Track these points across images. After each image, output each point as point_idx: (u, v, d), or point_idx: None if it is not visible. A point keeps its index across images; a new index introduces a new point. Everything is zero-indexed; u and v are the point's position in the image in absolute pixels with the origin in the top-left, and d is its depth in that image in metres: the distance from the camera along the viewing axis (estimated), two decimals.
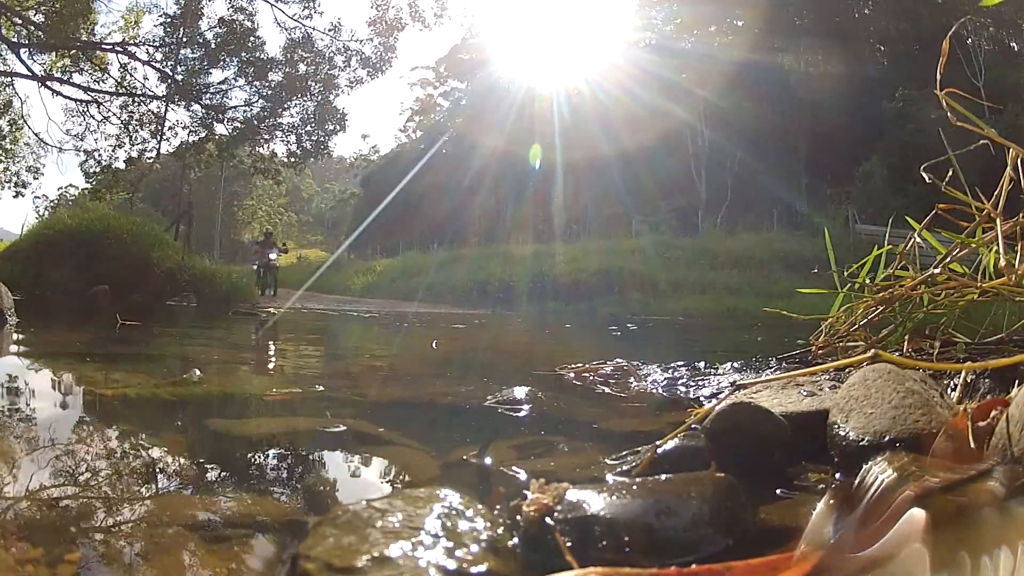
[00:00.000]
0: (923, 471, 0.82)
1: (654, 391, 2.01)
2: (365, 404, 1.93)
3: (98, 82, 18.22)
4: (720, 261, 16.77)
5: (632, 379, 2.20)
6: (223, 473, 1.16)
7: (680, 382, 2.06)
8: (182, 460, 1.21)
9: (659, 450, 1.09)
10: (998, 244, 1.34)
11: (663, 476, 0.92)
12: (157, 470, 1.14)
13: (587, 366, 2.43)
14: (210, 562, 0.74)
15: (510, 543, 0.71)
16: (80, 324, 5.15)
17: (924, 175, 1.60)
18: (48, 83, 17.32)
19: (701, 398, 1.81)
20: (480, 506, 0.76)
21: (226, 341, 4.45)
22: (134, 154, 18.81)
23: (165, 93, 18.18)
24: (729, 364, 2.22)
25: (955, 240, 1.56)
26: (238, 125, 18.47)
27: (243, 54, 17.75)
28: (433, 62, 43.08)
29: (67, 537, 0.80)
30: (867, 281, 1.80)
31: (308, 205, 57.48)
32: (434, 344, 4.71)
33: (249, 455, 1.31)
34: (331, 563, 0.61)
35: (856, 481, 0.90)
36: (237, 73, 18.09)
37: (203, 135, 18.96)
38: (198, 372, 2.16)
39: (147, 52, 17.90)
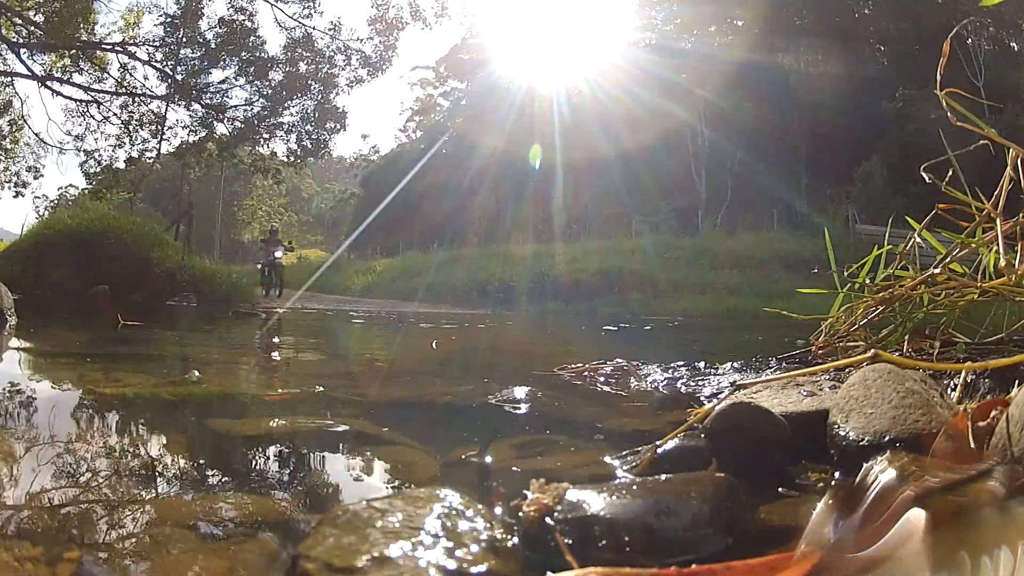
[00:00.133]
0: (923, 471, 0.82)
1: (654, 391, 2.01)
2: (365, 404, 1.93)
3: (98, 82, 18.22)
4: (720, 261, 16.76)
5: (632, 379, 2.20)
6: (223, 473, 1.16)
7: (680, 382, 2.06)
8: (182, 460, 1.21)
9: (659, 450, 1.09)
10: (998, 244, 1.34)
11: (663, 476, 0.92)
12: (157, 470, 1.14)
13: (587, 366, 2.43)
14: (210, 562, 0.74)
15: (510, 543, 0.71)
16: (80, 324, 5.15)
17: (924, 175, 1.60)
18: (48, 83, 17.32)
19: (701, 398, 1.81)
20: (480, 506, 0.76)
21: (226, 341, 4.45)
22: (134, 154, 18.81)
23: (165, 93, 18.18)
24: (729, 364, 2.22)
25: (955, 240, 1.56)
26: (238, 125, 18.46)
27: (243, 54, 17.74)
28: (433, 62, 43.11)
29: (66, 536, 0.80)
30: (867, 281, 1.80)
31: (308, 205, 57.47)
32: (434, 344, 4.71)
33: (249, 455, 1.31)
34: (331, 563, 0.61)
35: (856, 481, 0.90)
36: (237, 72, 18.09)
37: (203, 135, 18.95)
38: (197, 372, 2.16)
39: (147, 52, 17.89)
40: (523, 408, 1.82)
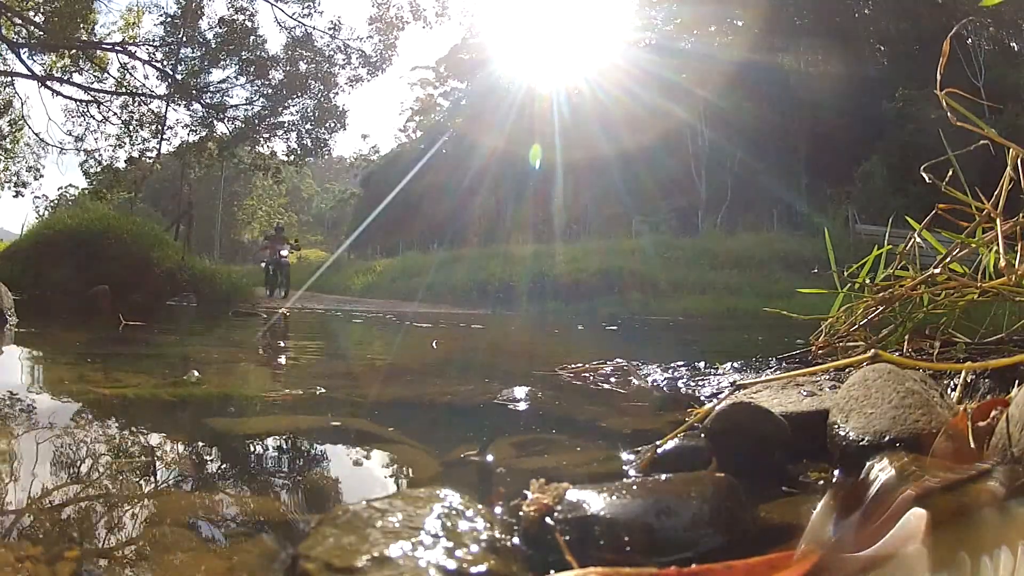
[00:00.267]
0: (923, 471, 0.82)
1: (654, 391, 2.01)
2: (365, 403, 1.93)
3: (98, 82, 18.24)
4: (720, 261, 16.76)
5: (632, 379, 2.20)
6: (223, 473, 1.16)
7: (680, 382, 2.06)
8: (182, 460, 1.21)
9: (659, 450, 1.09)
10: (998, 244, 1.34)
11: (663, 476, 0.92)
12: (156, 469, 1.14)
13: (587, 366, 2.43)
14: (209, 562, 0.74)
15: (510, 543, 0.71)
16: (80, 324, 5.15)
17: (924, 175, 1.60)
18: (48, 83, 17.32)
19: (701, 398, 1.81)
20: (480, 506, 0.76)
21: (226, 341, 4.45)
22: (135, 154, 18.82)
23: (165, 92, 18.19)
24: (729, 364, 2.22)
25: (955, 240, 1.56)
26: (239, 124, 18.46)
27: (243, 53, 17.75)
28: (433, 62, 43.13)
29: (66, 535, 0.80)
30: (867, 281, 1.80)
31: (308, 205, 57.48)
32: (434, 344, 4.71)
33: (249, 454, 1.31)
34: (331, 563, 0.61)
35: (856, 481, 0.90)
36: (238, 72, 18.10)
37: (204, 134, 18.96)
38: (197, 372, 2.16)
39: (147, 52, 17.91)
40: (523, 407, 1.82)
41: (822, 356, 1.89)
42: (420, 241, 27.50)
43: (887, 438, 0.97)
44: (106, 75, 18.23)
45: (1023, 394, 0.85)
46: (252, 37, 17.87)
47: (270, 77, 18.12)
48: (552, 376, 2.35)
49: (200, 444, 1.37)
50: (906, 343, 1.58)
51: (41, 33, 16.41)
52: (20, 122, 19.04)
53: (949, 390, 1.24)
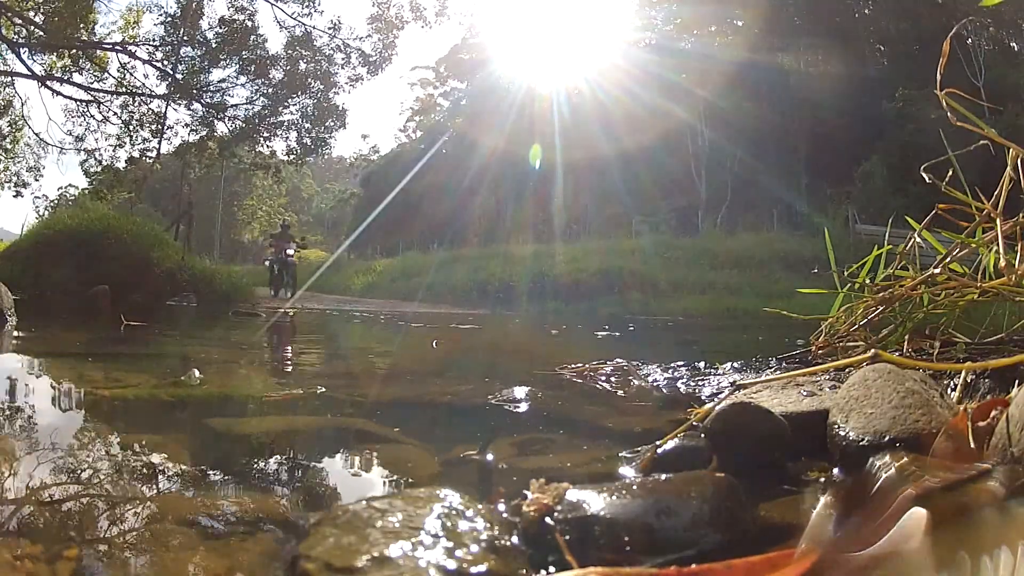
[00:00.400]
0: (923, 471, 0.82)
1: (654, 391, 2.01)
2: (365, 403, 1.93)
3: (98, 81, 18.24)
4: (720, 261, 16.76)
5: (632, 379, 2.20)
6: (223, 472, 1.16)
7: (680, 382, 2.06)
8: (181, 459, 1.21)
9: (659, 450, 1.09)
10: (998, 244, 1.34)
11: (663, 476, 0.92)
12: (156, 469, 1.14)
13: (587, 366, 2.43)
14: (210, 561, 0.74)
15: (510, 543, 0.71)
16: (80, 324, 5.15)
17: (924, 175, 1.60)
18: (48, 83, 17.32)
19: (702, 398, 1.81)
20: (480, 506, 0.76)
21: (226, 341, 4.45)
22: (135, 154, 18.83)
23: (166, 92, 18.19)
24: (729, 364, 2.22)
25: (955, 240, 1.56)
26: (239, 124, 18.47)
27: (244, 53, 17.75)
28: (433, 62, 43.11)
29: (66, 535, 0.80)
30: (867, 281, 1.80)
31: (308, 205, 57.48)
32: (434, 344, 4.71)
33: (249, 454, 1.31)
34: (331, 563, 0.61)
35: (856, 480, 0.90)
36: (238, 71, 18.11)
37: (204, 134, 18.97)
38: (197, 372, 2.16)
39: (147, 51, 17.91)
40: (523, 407, 1.82)
41: (822, 356, 1.89)
42: (420, 241, 27.49)
43: (887, 438, 0.97)
44: (106, 75, 18.24)
45: (1023, 394, 0.85)
46: (252, 37, 17.87)
47: (270, 77, 18.13)
48: (552, 376, 2.35)
49: (200, 444, 1.37)
50: (906, 343, 1.58)
51: (41, 33, 16.42)
52: (20, 122, 19.05)
53: (949, 390, 1.24)
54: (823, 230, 2.51)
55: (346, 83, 18.70)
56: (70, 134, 18.74)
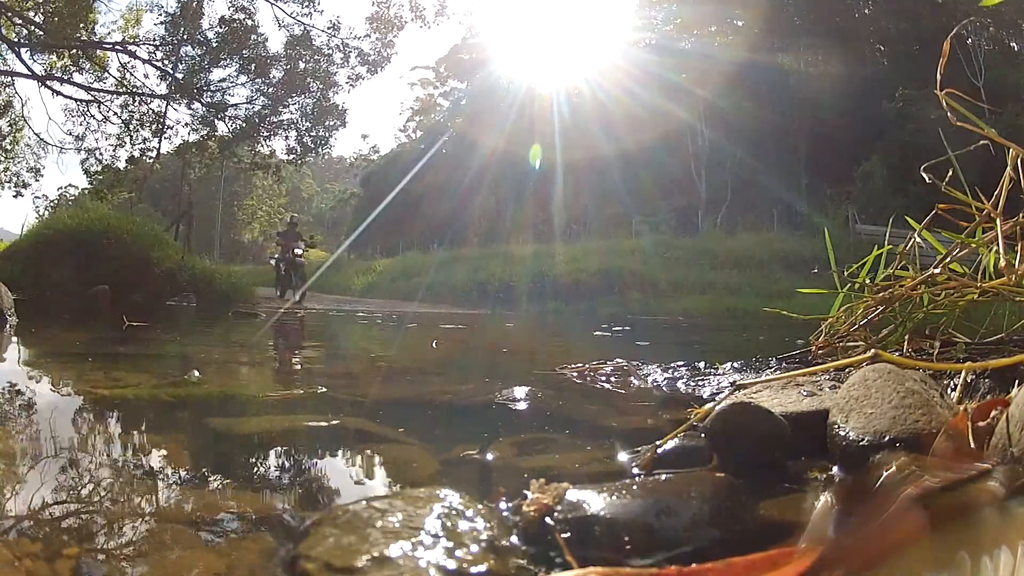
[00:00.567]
0: (923, 471, 0.82)
1: (654, 390, 2.01)
2: (366, 403, 1.93)
3: (98, 81, 18.24)
4: (720, 261, 16.76)
5: (632, 379, 2.20)
6: (223, 472, 1.16)
7: (680, 382, 2.06)
8: (181, 459, 1.21)
9: (659, 450, 1.09)
10: (998, 244, 1.34)
11: (663, 476, 0.92)
12: (156, 469, 1.14)
13: (587, 366, 2.43)
14: (209, 560, 0.74)
15: (510, 543, 0.71)
16: (80, 324, 5.15)
17: (924, 175, 1.60)
18: (48, 83, 17.32)
19: (702, 397, 1.81)
20: (480, 506, 0.76)
21: (227, 341, 4.45)
22: (135, 153, 18.82)
23: (166, 92, 18.20)
24: (729, 364, 2.22)
25: (955, 240, 1.56)
26: (240, 124, 18.47)
27: (244, 52, 17.75)
28: (433, 62, 43.11)
29: (66, 534, 0.80)
30: (867, 281, 1.80)
31: (308, 205, 57.48)
32: (434, 344, 4.71)
33: (249, 454, 1.31)
34: (331, 563, 0.61)
35: (856, 480, 0.90)
36: (238, 71, 18.11)
37: (204, 133, 18.97)
38: (197, 372, 2.16)
39: (147, 51, 17.92)
40: (523, 407, 1.82)
41: (822, 356, 1.89)
42: (420, 241, 27.49)
43: (887, 438, 0.97)
44: (106, 75, 18.24)
45: (1023, 394, 0.85)
46: (252, 36, 17.88)
47: (270, 76, 18.13)
48: (552, 376, 2.35)
49: (200, 444, 1.37)
50: (906, 343, 1.58)
51: (41, 33, 16.41)
52: (20, 122, 19.05)
53: (949, 390, 1.24)
54: (823, 230, 2.52)
55: (346, 82, 18.73)
56: (70, 134, 18.75)
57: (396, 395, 2.17)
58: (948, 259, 1.54)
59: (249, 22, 17.93)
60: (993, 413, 0.89)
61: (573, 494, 0.78)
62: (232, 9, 17.87)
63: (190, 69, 17.96)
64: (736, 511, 0.79)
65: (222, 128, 18.89)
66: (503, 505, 0.82)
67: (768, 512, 0.87)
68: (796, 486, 0.98)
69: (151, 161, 19.29)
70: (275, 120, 18.60)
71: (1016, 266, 1.31)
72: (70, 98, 17.99)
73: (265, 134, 18.90)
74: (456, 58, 38.72)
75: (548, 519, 0.75)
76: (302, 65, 18.11)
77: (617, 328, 7.28)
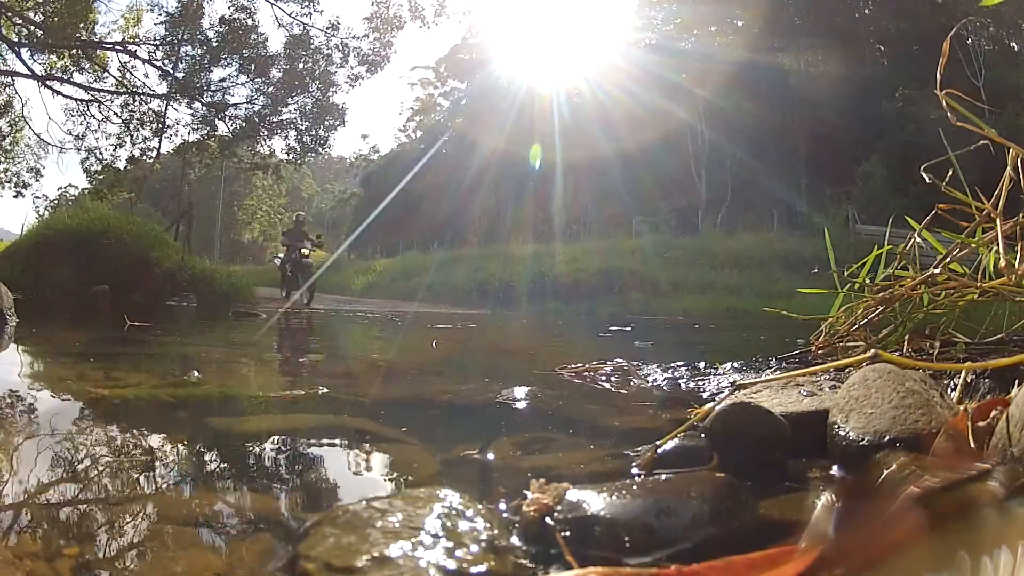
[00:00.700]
0: (923, 471, 0.82)
1: (654, 390, 2.01)
2: (366, 403, 1.93)
3: (98, 81, 18.24)
4: (720, 261, 16.77)
5: (632, 379, 2.20)
6: (223, 472, 1.16)
7: (680, 382, 2.06)
8: (182, 459, 1.21)
9: (659, 450, 1.09)
10: (998, 244, 1.34)
11: (663, 476, 0.92)
12: (156, 468, 1.14)
13: (587, 366, 2.43)
14: (209, 560, 0.74)
15: (510, 543, 0.71)
16: (80, 324, 5.15)
17: (924, 175, 1.60)
18: (48, 83, 17.32)
19: (702, 397, 1.82)
20: (480, 506, 0.76)
21: (227, 341, 4.45)
22: (135, 153, 18.83)
23: (166, 91, 18.20)
24: (729, 364, 2.22)
25: (955, 240, 1.56)
26: (240, 124, 18.47)
27: (244, 52, 17.76)
28: (433, 62, 43.09)
29: (66, 533, 0.80)
30: (867, 281, 1.80)
31: (308, 205, 57.47)
32: (434, 344, 4.71)
33: (249, 454, 1.31)
34: (331, 563, 0.61)
35: (857, 480, 0.90)
36: (238, 71, 18.11)
37: (205, 133, 18.98)
38: (197, 373, 2.16)
39: (148, 51, 17.92)
40: (523, 407, 1.82)
41: (822, 356, 1.89)
42: (420, 241, 27.50)
43: (887, 438, 0.97)
44: (106, 74, 18.24)
45: (1023, 394, 0.85)
46: (253, 35, 17.88)
47: (271, 76, 18.13)
48: (552, 375, 2.35)
49: (200, 443, 1.37)
50: (906, 343, 1.58)
51: (41, 33, 16.41)
52: (20, 123, 19.05)
53: (949, 390, 1.24)
54: (823, 230, 2.52)
55: (345, 82, 18.72)
56: (70, 133, 18.75)
57: (396, 395, 2.17)
58: (948, 259, 1.54)
59: (249, 21, 17.94)
60: (993, 413, 0.89)
61: (573, 494, 0.79)
62: (232, 8, 17.89)
63: (190, 69, 17.96)
64: (736, 511, 0.79)
65: (222, 128, 18.92)
66: (503, 505, 0.82)
67: (768, 512, 0.87)
68: (796, 486, 0.98)
69: (151, 161, 19.29)
70: (275, 120, 18.61)
71: (1016, 266, 1.31)
72: (70, 98, 18.00)
73: (265, 134, 18.91)
74: (456, 58, 38.72)
75: (548, 519, 0.75)
76: (301, 65, 18.11)
77: (617, 328, 7.29)
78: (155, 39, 17.82)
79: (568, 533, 0.73)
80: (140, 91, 18.38)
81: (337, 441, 1.44)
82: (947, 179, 1.52)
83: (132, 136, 18.52)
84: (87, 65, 17.78)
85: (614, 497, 0.77)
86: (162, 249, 10.47)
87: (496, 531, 0.71)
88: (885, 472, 0.86)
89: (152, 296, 9.06)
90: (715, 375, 2.09)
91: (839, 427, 1.07)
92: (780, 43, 23.00)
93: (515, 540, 0.73)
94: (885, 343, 1.68)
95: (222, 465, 1.22)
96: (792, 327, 2.33)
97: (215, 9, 29.49)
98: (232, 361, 3.07)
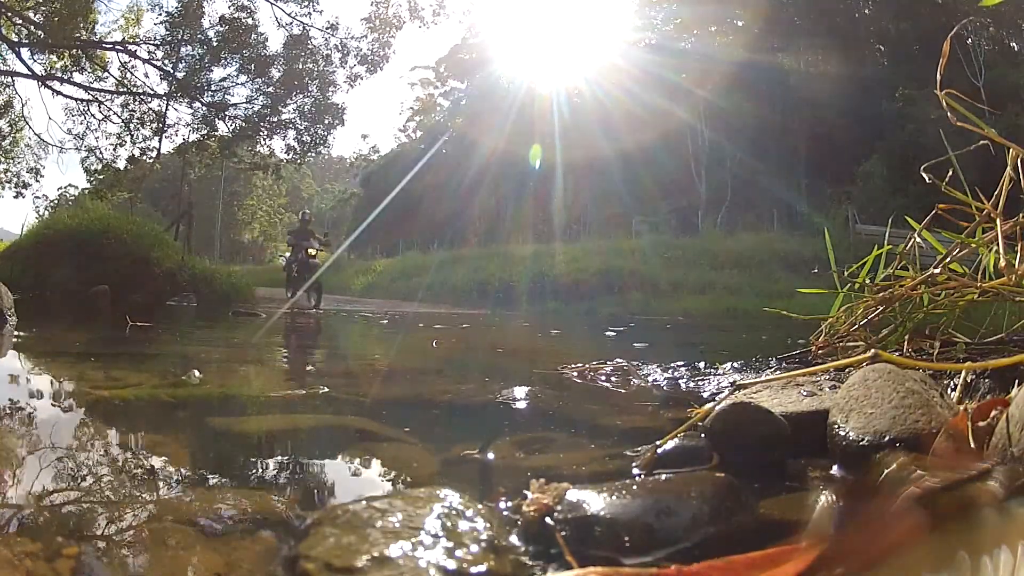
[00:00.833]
0: (923, 471, 0.82)
1: (654, 390, 2.01)
2: (366, 402, 1.93)
3: (99, 81, 18.24)
4: (720, 261, 16.76)
5: (632, 379, 2.20)
6: (223, 471, 1.16)
7: (680, 381, 2.06)
8: (181, 459, 1.21)
9: (659, 450, 1.09)
10: (998, 244, 1.34)
11: (663, 476, 0.92)
12: (156, 468, 1.14)
13: (587, 366, 2.43)
14: (209, 560, 0.74)
15: (510, 543, 0.71)
16: (80, 324, 5.15)
17: (924, 175, 1.60)
18: (48, 83, 17.32)
19: (702, 397, 1.81)
20: (480, 506, 0.76)
21: (227, 341, 4.45)
22: (136, 153, 18.83)
23: (166, 91, 18.20)
24: (729, 364, 2.22)
25: (955, 240, 1.56)
26: (240, 123, 18.47)
27: (244, 51, 17.76)
28: (433, 62, 43.09)
29: (66, 533, 0.80)
30: (867, 281, 1.80)
31: (308, 205, 57.40)
32: (434, 344, 4.71)
33: (249, 453, 1.31)
34: (331, 563, 0.61)
35: (857, 479, 0.90)
36: (238, 70, 18.12)
37: (205, 133, 18.98)
38: (197, 372, 2.16)
39: (148, 51, 17.92)
40: (523, 406, 1.82)
41: (822, 356, 1.89)
42: (420, 241, 27.50)
43: (887, 438, 0.97)
44: (106, 74, 18.24)
45: (1023, 394, 0.85)
46: (253, 35, 17.88)
47: (270, 76, 18.13)
48: (552, 375, 2.35)
49: (200, 443, 1.37)
50: (906, 343, 1.58)
51: (41, 33, 16.41)
52: (20, 123, 19.04)
53: (949, 390, 1.24)
54: (823, 230, 2.52)
55: (344, 82, 18.73)
56: (70, 132, 18.74)
57: (396, 395, 2.17)
58: (948, 259, 1.54)
59: (249, 20, 17.94)
60: (993, 413, 0.89)
61: (573, 494, 0.79)
62: (232, 8, 17.89)
63: (190, 69, 17.96)
64: (736, 510, 0.79)
65: (222, 128, 18.92)
66: (503, 505, 0.82)
67: (768, 511, 0.87)
68: (796, 486, 0.98)
69: (151, 161, 19.29)
70: (275, 120, 18.61)
71: (1016, 266, 1.31)
72: (70, 98, 18.00)
73: (265, 134, 18.91)
74: (456, 58, 38.72)
75: (548, 519, 0.75)
76: (301, 65, 18.11)
77: (617, 328, 7.29)
78: (155, 39, 17.83)
79: (568, 533, 0.73)
80: (140, 91, 18.39)
81: (337, 441, 1.44)
82: (947, 179, 1.52)
83: (132, 136, 18.53)
84: (87, 65, 17.77)
85: (614, 497, 0.77)
86: (162, 249, 10.46)
87: (496, 531, 0.71)
88: (885, 472, 0.86)
89: (152, 296, 9.06)
90: (715, 375, 2.09)
91: (839, 427, 1.07)
92: (780, 43, 23.00)
93: (515, 540, 0.73)
94: (885, 343, 1.68)
95: (222, 465, 1.22)
96: (792, 327, 2.34)
97: (215, 8, 29.50)
98: (232, 361, 3.07)
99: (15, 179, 20.19)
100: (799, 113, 21.83)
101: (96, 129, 18.57)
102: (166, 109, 18.28)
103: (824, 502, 0.87)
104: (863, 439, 1.00)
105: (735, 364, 2.20)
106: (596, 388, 2.10)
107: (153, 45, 17.84)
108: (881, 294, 1.71)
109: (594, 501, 0.77)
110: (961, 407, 1.04)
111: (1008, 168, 1.42)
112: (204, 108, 18.42)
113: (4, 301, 4.11)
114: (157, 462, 1.18)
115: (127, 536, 0.82)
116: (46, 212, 24.73)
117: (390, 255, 27.62)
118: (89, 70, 17.91)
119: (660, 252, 17.51)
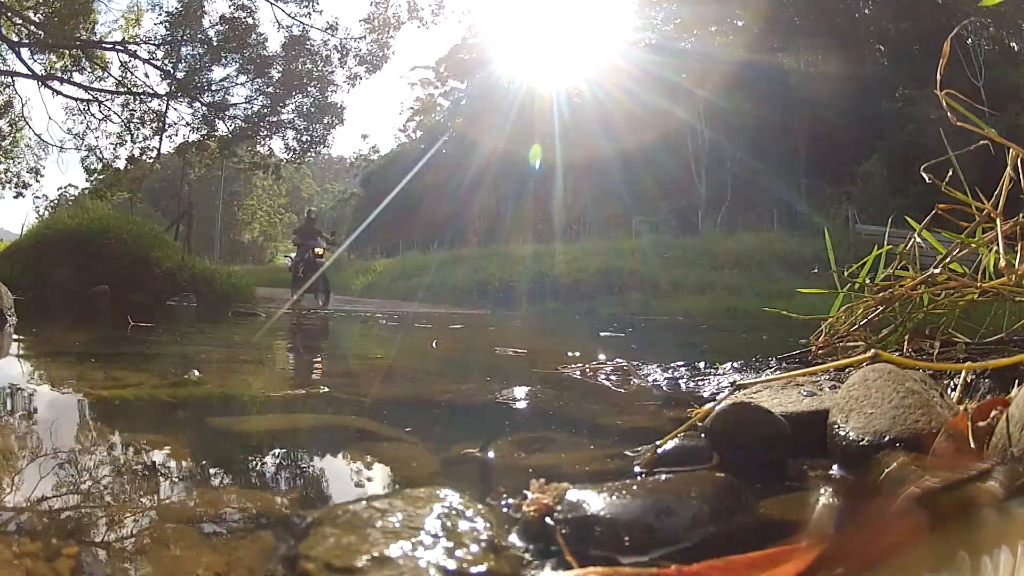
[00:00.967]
0: (923, 471, 0.82)
1: (654, 390, 2.01)
2: (366, 402, 1.93)
3: (99, 81, 18.24)
4: (720, 261, 16.76)
5: (632, 378, 2.20)
6: (223, 471, 1.16)
7: (680, 381, 2.06)
8: (181, 458, 1.21)
9: (659, 449, 1.09)
10: (998, 244, 1.34)
11: (663, 475, 0.92)
12: (156, 468, 1.14)
13: (587, 366, 2.43)
14: (209, 560, 0.74)
15: (510, 543, 0.71)
16: (80, 324, 5.15)
17: (924, 175, 1.60)
18: (48, 82, 17.32)
19: (702, 397, 1.81)
20: (480, 506, 0.76)
21: (227, 341, 4.45)
22: (136, 152, 18.83)
23: (166, 91, 18.21)
24: (729, 364, 2.22)
25: (955, 240, 1.56)
26: (240, 123, 18.47)
27: (244, 51, 17.76)
28: (433, 62, 43.08)
29: (66, 533, 0.80)
30: (867, 281, 1.80)
31: (308, 205, 57.45)
32: (434, 344, 4.71)
33: (249, 453, 1.31)
34: (331, 563, 0.61)
35: (857, 479, 0.90)
36: (238, 71, 18.12)
37: (205, 132, 18.98)
38: (197, 372, 2.16)
39: (148, 51, 17.92)
40: (523, 406, 1.82)
41: (822, 356, 1.89)
42: (420, 241, 27.49)
43: (887, 438, 0.97)
44: (107, 74, 18.24)
45: (1023, 394, 0.85)
46: (253, 35, 17.88)
47: (270, 76, 18.13)
48: (552, 375, 2.35)
49: (200, 443, 1.37)
50: (906, 343, 1.58)
51: (41, 33, 16.41)
52: (20, 123, 19.04)
53: (949, 390, 1.24)
54: (823, 230, 2.52)
55: (344, 82, 18.73)
56: (70, 132, 18.74)
57: (396, 394, 2.17)
58: (948, 259, 1.54)
59: (249, 20, 17.94)
60: (993, 413, 0.89)
61: (573, 494, 0.79)
62: (233, 8, 17.90)
63: (190, 68, 17.97)
64: (736, 510, 0.79)
65: (222, 128, 18.92)
66: (503, 505, 0.82)
67: (768, 511, 0.87)
68: (796, 486, 0.98)
69: (151, 161, 19.29)
70: (274, 120, 18.62)
71: (1016, 266, 1.31)
72: (70, 98, 18.01)
73: (265, 134, 18.91)
74: (456, 58, 38.71)
75: (548, 519, 0.75)
76: (300, 65, 18.11)
77: (617, 328, 7.28)
78: (155, 39, 17.83)
79: (568, 533, 0.73)
80: (140, 91, 18.39)
81: (337, 440, 1.44)
82: (947, 179, 1.52)
83: (132, 136, 18.54)
84: (87, 65, 17.77)
85: (614, 497, 0.77)
86: (162, 249, 10.46)
87: (496, 531, 0.71)
88: (885, 472, 0.86)
89: (152, 296, 9.06)
90: (715, 375, 2.09)
91: (839, 427, 1.07)
92: (780, 43, 23.00)
93: (515, 540, 0.73)
94: (885, 343, 1.68)
95: (222, 465, 1.22)
96: (792, 327, 2.33)
97: (215, 8, 29.47)
98: (232, 361, 3.07)
99: (15, 179, 20.20)
100: (799, 113, 21.83)
101: (96, 129, 18.60)
102: (166, 109, 18.30)
103: (824, 502, 0.87)
104: (863, 439, 1.00)
105: (735, 364, 2.20)
106: (596, 388, 2.10)
107: (153, 45, 17.85)
108: (881, 294, 1.71)
109: (594, 501, 0.77)
110: (961, 407, 1.04)
111: (1008, 168, 1.42)
112: (204, 108, 18.43)
113: (4, 301, 4.11)
114: (157, 462, 1.18)
115: (127, 536, 0.82)
116: (46, 212, 24.74)
117: (390, 255, 27.61)
118: (89, 70, 17.92)
119: (660, 252, 17.51)
